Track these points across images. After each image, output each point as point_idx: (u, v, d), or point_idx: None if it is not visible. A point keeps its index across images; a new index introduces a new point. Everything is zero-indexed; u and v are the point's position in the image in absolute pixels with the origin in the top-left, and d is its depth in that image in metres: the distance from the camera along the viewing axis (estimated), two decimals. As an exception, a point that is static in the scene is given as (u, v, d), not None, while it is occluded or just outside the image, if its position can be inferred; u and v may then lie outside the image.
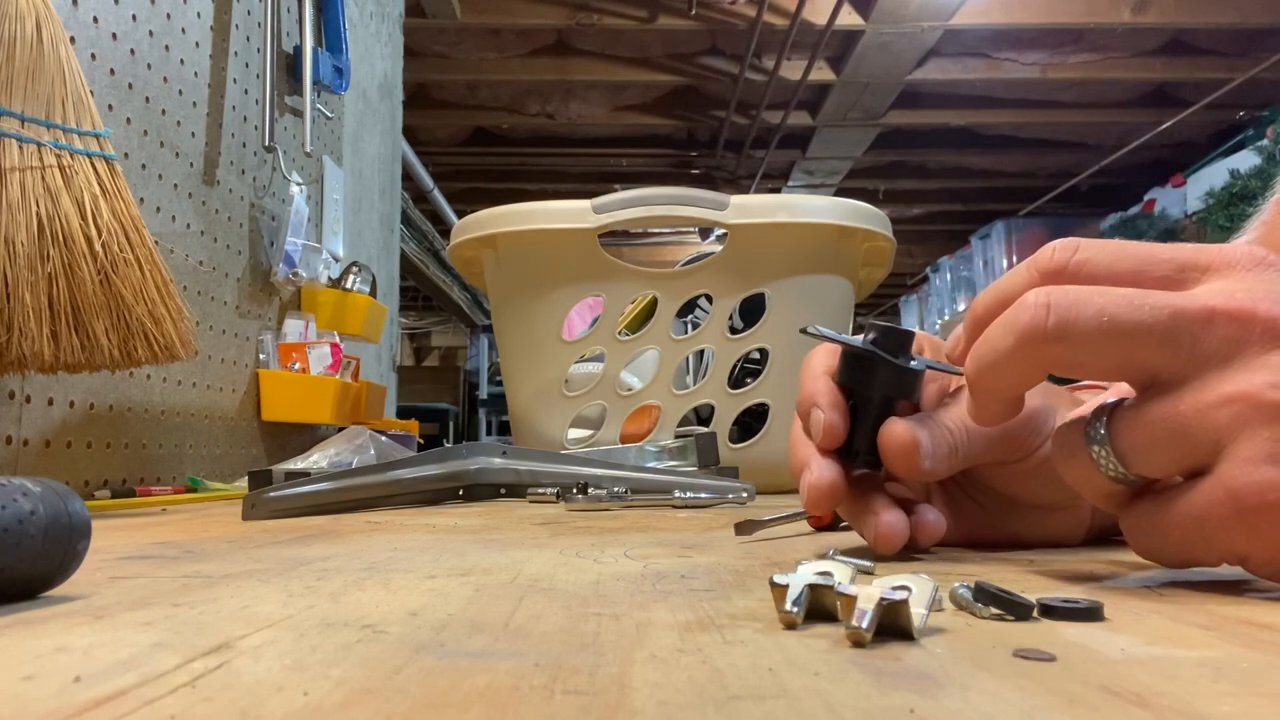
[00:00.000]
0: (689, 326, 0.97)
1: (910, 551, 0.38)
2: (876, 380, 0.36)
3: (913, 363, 0.36)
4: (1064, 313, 0.27)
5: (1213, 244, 0.28)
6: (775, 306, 0.88)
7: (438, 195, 4.42)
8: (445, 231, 4.46)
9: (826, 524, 0.48)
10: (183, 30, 0.98)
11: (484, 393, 6.21)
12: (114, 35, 0.85)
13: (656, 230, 5.74)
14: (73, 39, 0.76)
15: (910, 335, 0.36)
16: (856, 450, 0.36)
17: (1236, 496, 0.25)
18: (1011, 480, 0.38)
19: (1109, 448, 0.28)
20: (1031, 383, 0.30)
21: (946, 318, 5.60)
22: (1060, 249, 0.29)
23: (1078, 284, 0.28)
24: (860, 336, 0.37)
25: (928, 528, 0.37)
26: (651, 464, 0.81)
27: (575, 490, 0.65)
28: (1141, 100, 4.29)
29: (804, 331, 0.37)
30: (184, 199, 0.97)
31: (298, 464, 0.86)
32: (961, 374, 0.33)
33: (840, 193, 5.15)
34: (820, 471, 0.36)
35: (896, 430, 0.35)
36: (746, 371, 0.92)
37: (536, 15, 3.51)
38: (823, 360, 0.38)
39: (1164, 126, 4.18)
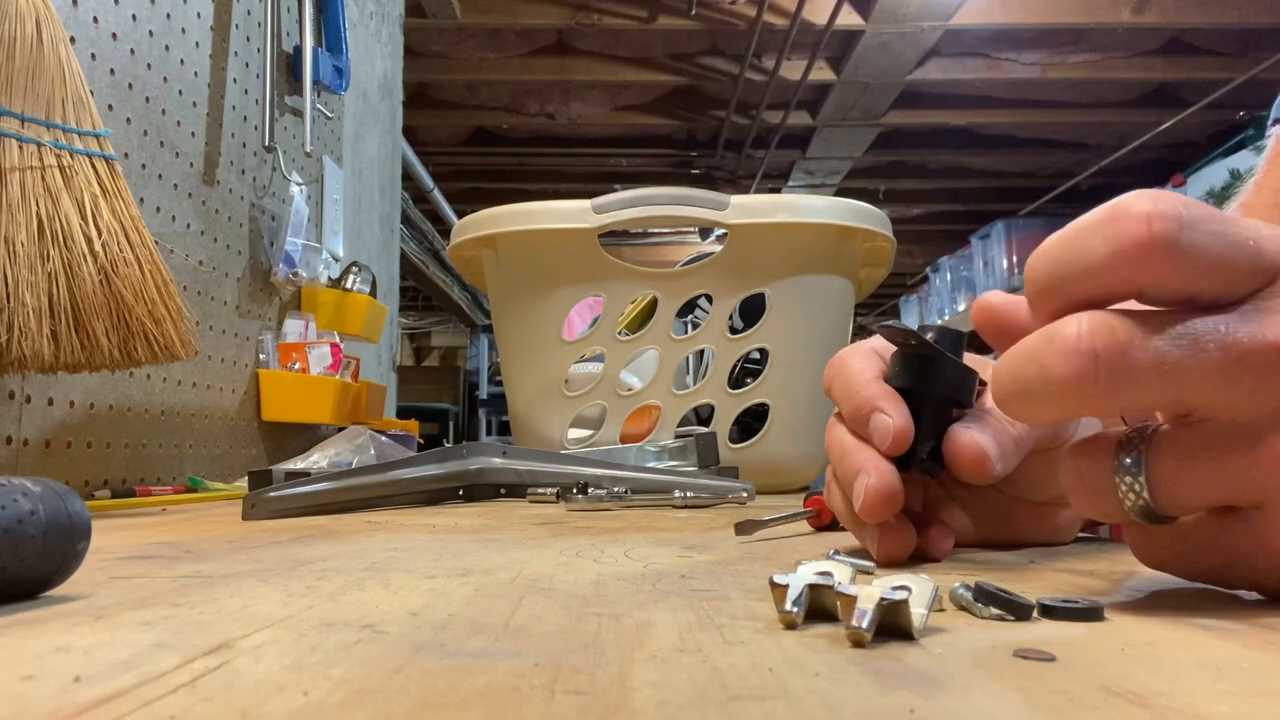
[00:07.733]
0: (689, 326, 0.96)
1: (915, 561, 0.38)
2: (940, 381, 0.35)
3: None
4: (1115, 363, 0.23)
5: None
6: (775, 306, 0.88)
7: (438, 195, 4.42)
8: (445, 231, 4.45)
9: (826, 524, 0.48)
10: (183, 30, 0.98)
11: (484, 393, 6.20)
12: (114, 35, 0.85)
13: (656, 230, 5.73)
14: (73, 39, 0.76)
15: (963, 336, 0.36)
16: (918, 455, 0.35)
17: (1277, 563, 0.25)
18: (1033, 476, 0.37)
19: (1143, 486, 0.25)
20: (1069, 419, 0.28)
21: (946, 318, 5.60)
22: (1162, 220, 0.23)
23: (1170, 269, 0.23)
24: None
25: (937, 540, 0.36)
26: (651, 464, 0.81)
27: (575, 490, 0.65)
28: (1141, 100, 4.29)
29: (885, 327, 0.35)
30: (184, 199, 0.97)
31: (298, 464, 0.86)
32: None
33: (840, 193, 5.14)
34: (881, 475, 0.33)
35: (967, 439, 0.33)
36: (746, 371, 0.92)
37: (536, 15, 3.51)
38: (868, 363, 0.36)
39: (1164, 126, 4.18)
